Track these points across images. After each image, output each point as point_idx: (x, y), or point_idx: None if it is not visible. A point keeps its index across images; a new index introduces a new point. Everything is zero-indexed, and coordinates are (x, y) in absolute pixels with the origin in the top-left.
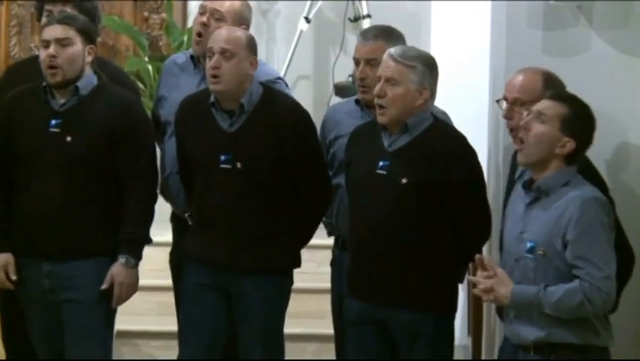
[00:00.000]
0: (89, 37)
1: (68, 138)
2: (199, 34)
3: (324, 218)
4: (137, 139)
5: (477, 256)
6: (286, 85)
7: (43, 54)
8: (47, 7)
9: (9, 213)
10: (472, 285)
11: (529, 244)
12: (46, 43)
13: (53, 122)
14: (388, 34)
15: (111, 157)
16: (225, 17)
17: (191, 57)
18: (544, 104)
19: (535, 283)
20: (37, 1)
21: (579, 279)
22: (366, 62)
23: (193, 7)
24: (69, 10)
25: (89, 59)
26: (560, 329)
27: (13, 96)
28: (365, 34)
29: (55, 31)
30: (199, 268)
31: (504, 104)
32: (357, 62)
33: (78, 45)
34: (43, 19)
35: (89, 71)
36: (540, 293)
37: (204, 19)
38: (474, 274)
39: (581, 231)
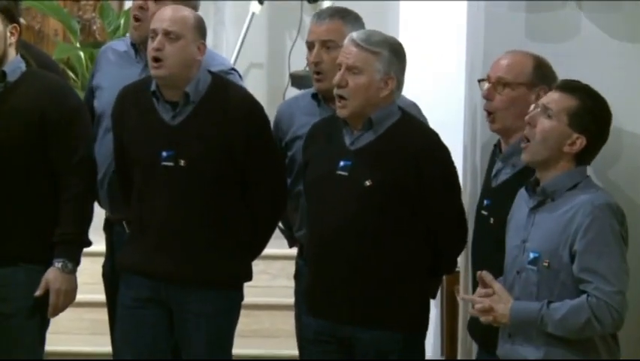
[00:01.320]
0: (9, 15)
1: None
2: (137, 19)
3: (282, 227)
4: (72, 129)
5: (478, 272)
6: (240, 77)
7: None
8: None
9: None
10: (472, 305)
11: (532, 255)
12: None
13: None
14: (346, 14)
15: (43, 150)
16: None
17: (132, 45)
18: (551, 97)
19: (538, 298)
20: None
21: (586, 294)
22: (322, 44)
23: None
24: None
25: (12, 39)
26: (560, 348)
27: None
28: (319, 14)
29: None
30: (137, 280)
31: (485, 85)
32: (310, 45)
33: None
34: None
35: (13, 55)
36: (543, 310)
37: (141, 1)
38: (449, 289)
39: (591, 240)
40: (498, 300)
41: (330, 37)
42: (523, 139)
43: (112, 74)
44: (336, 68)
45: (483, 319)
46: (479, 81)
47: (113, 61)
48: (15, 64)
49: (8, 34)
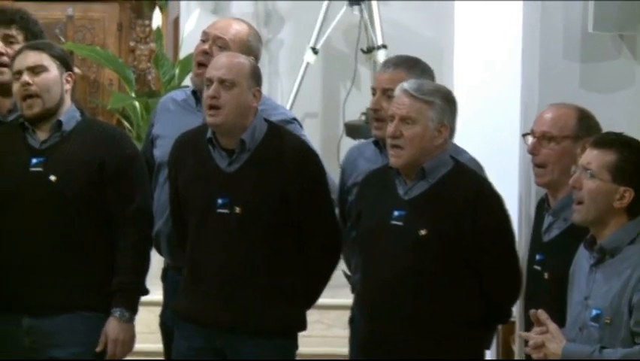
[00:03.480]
0: (65, 62)
1: (52, 178)
2: (200, 65)
3: (348, 273)
4: (129, 178)
5: (532, 311)
6: (301, 127)
7: (16, 86)
8: None
9: None
10: (524, 342)
11: (594, 312)
12: (19, 74)
13: (34, 160)
14: (412, 65)
15: (100, 199)
16: (230, 46)
17: (193, 93)
18: (589, 156)
19: None
20: None
21: None
22: (383, 92)
23: (186, 36)
24: (13, 32)
25: (67, 86)
26: None
27: None
28: (387, 62)
29: (27, 58)
30: (191, 329)
31: (530, 139)
32: (374, 91)
33: (54, 71)
34: None
35: (69, 103)
36: (595, 354)
37: (206, 47)
38: (505, 339)
39: None
40: (551, 338)
41: (391, 87)
42: (574, 200)
43: (172, 123)
44: None
45: (535, 356)
46: (524, 135)
47: (172, 110)
48: (70, 113)
49: (64, 81)
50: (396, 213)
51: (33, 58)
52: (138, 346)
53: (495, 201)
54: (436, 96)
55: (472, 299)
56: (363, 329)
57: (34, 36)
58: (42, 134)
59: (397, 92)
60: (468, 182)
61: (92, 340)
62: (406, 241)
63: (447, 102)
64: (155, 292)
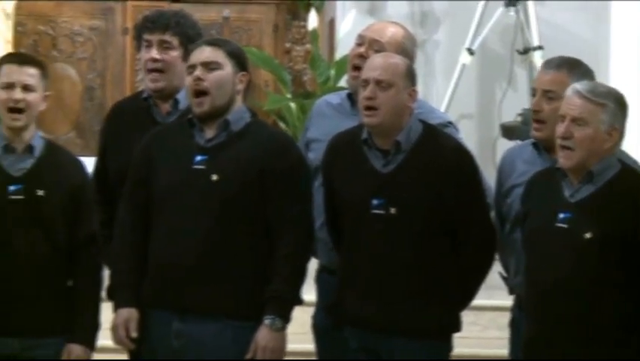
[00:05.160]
0: (240, 62)
1: (214, 177)
2: (356, 68)
3: (504, 275)
4: (292, 185)
5: None
6: (456, 129)
7: (189, 79)
8: (145, 36)
9: (141, 260)
10: None
11: None
12: (192, 68)
13: (198, 158)
14: (574, 66)
15: (261, 203)
16: (386, 49)
17: (348, 96)
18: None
19: None
20: (135, 30)
21: None
22: (544, 93)
23: (342, 37)
24: (168, 38)
25: (239, 86)
26: None
27: (157, 132)
28: (548, 63)
29: (202, 53)
30: (346, 330)
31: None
32: (534, 92)
33: (228, 69)
34: (142, 50)
35: (240, 103)
36: None
37: (362, 50)
38: None
39: None
40: None
41: (552, 88)
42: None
43: (327, 128)
44: (555, 118)
45: None
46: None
47: (327, 114)
48: (240, 113)
49: (237, 80)
50: (561, 215)
51: (208, 53)
52: (293, 346)
53: None
54: (609, 99)
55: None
56: (526, 330)
57: (190, 40)
58: (209, 132)
59: (569, 92)
60: (636, 185)
61: (241, 349)
62: (571, 243)
63: (619, 106)
64: (307, 293)
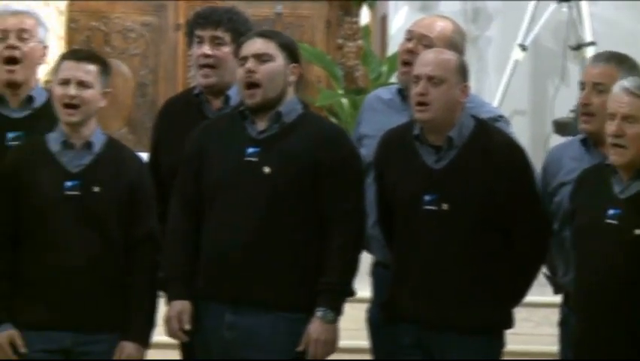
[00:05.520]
0: (292, 54)
1: (266, 170)
2: (405, 63)
3: (548, 273)
4: (344, 177)
5: None
6: (507, 123)
7: (240, 71)
8: (197, 32)
9: (194, 253)
10: None
11: None
12: (244, 60)
13: (250, 150)
14: (622, 60)
15: (314, 195)
16: (435, 44)
17: (399, 91)
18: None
19: None
20: (187, 26)
21: None
22: (593, 86)
23: (394, 34)
24: (220, 34)
25: (291, 78)
26: None
27: (207, 124)
28: (597, 56)
29: (254, 45)
30: (399, 327)
31: None
32: (582, 86)
33: (279, 61)
34: (194, 46)
35: (292, 95)
36: None
37: (411, 45)
38: None
39: None
40: None
41: (602, 81)
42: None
43: (378, 123)
44: (604, 112)
45: None
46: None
47: (378, 109)
48: (291, 105)
49: (288, 72)
50: (611, 211)
51: (260, 45)
52: (345, 342)
53: None
54: None
55: None
56: (576, 328)
57: (242, 36)
58: (261, 124)
59: (616, 89)
60: None
61: (293, 341)
62: (621, 240)
63: None
64: (362, 289)
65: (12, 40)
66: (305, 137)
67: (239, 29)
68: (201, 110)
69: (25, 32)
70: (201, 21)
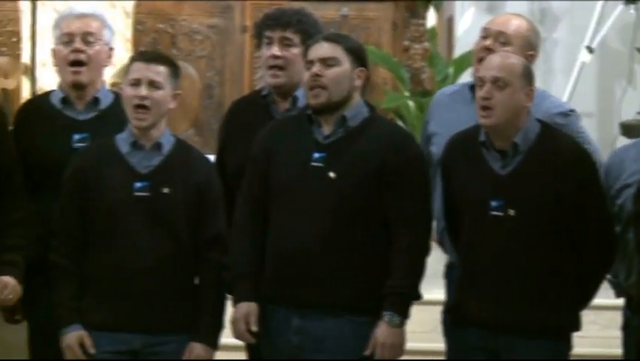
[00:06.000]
0: (358, 58)
1: (331, 174)
2: (481, 60)
3: (610, 277)
4: (410, 180)
5: None
6: (578, 118)
7: (306, 75)
8: (267, 33)
9: (260, 254)
10: None
11: None
12: (310, 64)
13: (316, 155)
14: None
15: (380, 198)
16: (512, 41)
17: (471, 87)
18: None
19: None
20: (256, 27)
21: None
22: None
23: (460, 36)
24: (290, 35)
25: (357, 82)
26: None
27: (274, 125)
28: None
29: (320, 49)
30: (467, 329)
31: None
32: None
33: (346, 65)
34: (263, 47)
35: (357, 98)
36: None
37: (488, 43)
38: None
39: None
40: None
41: None
42: None
43: (446, 119)
44: None
45: None
46: None
47: (445, 104)
48: (357, 109)
49: (355, 76)
50: None
51: (327, 49)
52: (412, 345)
53: None
54: None
55: None
56: (638, 331)
57: (310, 39)
58: (327, 128)
59: None
60: None
61: (360, 345)
62: None
63: None
64: (430, 291)
65: (77, 44)
66: (370, 141)
67: (308, 31)
68: (269, 111)
69: (90, 35)
70: (271, 22)
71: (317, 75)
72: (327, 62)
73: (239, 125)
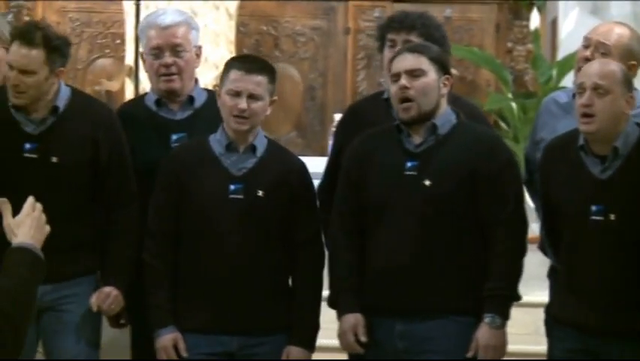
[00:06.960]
0: (443, 66)
1: (426, 182)
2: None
3: None
4: (503, 183)
5: None
6: None
7: (394, 88)
8: (390, 35)
9: (359, 264)
10: None
11: None
12: (396, 77)
13: (409, 164)
14: None
15: (474, 203)
16: (612, 52)
17: (574, 96)
18: None
19: None
20: (379, 30)
21: None
22: None
23: (564, 38)
24: (414, 38)
25: (444, 90)
26: None
27: (365, 137)
28: None
29: (405, 61)
30: (567, 332)
31: None
32: None
33: (432, 75)
34: (386, 50)
35: (445, 106)
36: None
37: (588, 53)
38: None
39: None
40: None
41: None
42: None
43: (554, 127)
44: None
45: None
46: None
47: (554, 113)
48: (446, 116)
49: (441, 85)
50: None
51: (412, 61)
52: (514, 347)
53: None
54: None
55: None
56: None
57: (434, 42)
58: (417, 138)
59: None
60: None
61: (464, 344)
62: None
63: None
64: (532, 293)
65: (167, 59)
66: (461, 147)
67: (432, 34)
68: (389, 113)
69: (178, 47)
70: (395, 25)
71: (405, 87)
72: (414, 73)
73: (359, 128)
